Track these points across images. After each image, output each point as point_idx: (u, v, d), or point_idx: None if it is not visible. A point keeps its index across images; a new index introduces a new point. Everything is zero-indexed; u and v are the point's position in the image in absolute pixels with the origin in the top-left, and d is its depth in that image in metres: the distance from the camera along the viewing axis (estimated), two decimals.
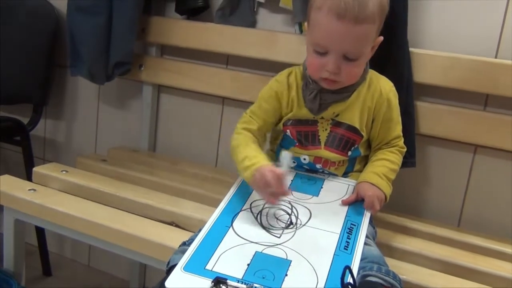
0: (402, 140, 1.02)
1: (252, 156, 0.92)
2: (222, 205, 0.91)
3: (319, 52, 0.91)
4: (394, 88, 1.00)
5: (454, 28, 1.15)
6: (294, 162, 1.03)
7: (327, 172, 1.02)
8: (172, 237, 0.97)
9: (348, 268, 0.71)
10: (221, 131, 1.44)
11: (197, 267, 0.74)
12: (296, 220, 0.88)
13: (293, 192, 0.96)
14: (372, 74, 1.00)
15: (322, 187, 0.99)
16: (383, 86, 0.99)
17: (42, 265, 1.62)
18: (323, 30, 0.89)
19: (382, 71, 1.05)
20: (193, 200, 1.14)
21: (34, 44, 1.55)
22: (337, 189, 0.98)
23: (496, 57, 1.12)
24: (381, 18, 0.91)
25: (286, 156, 0.88)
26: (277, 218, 0.88)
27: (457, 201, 1.21)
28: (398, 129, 1.01)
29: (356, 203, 0.94)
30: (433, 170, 1.22)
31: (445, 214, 1.21)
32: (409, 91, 1.12)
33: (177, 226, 1.06)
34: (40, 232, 1.57)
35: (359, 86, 0.98)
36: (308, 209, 0.91)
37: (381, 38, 0.94)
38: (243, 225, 0.86)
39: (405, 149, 1.03)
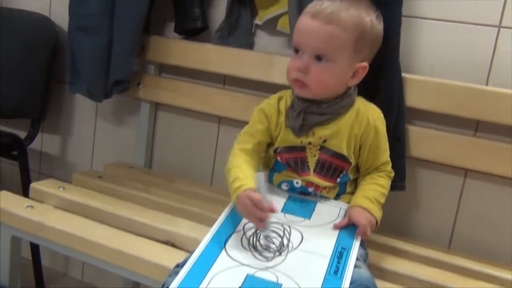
0: (390, 165, 1.05)
1: (241, 178, 0.94)
2: (215, 226, 0.93)
3: (296, 52, 0.97)
4: (381, 115, 1.03)
5: (446, 54, 1.17)
6: (287, 185, 1.05)
7: (319, 195, 1.04)
8: (167, 257, 0.98)
9: None
10: (217, 150, 1.46)
11: None
12: (288, 243, 0.89)
13: (285, 214, 0.98)
14: (360, 102, 1.03)
15: (314, 210, 1.00)
16: (371, 114, 1.01)
17: (36, 279, 1.62)
18: (299, 28, 0.97)
19: (373, 95, 1.07)
20: (188, 218, 1.16)
21: (33, 59, 1.57)
22: (329, 212, 1.00)
23: (486, 84, 1.15)
24: (356, 33, 0.94)
25: (259, 177, 0.90)
26: (269, 241, 0.89)
27: (448, 223, 1.22)
28: (386, 156, 1.04)
29: (347, 227, 0.95)
30: (424, 192, 1.23)
31: (436, 236, 1.23)
32: (400, 116, 1.14)
33: (172, 245, 1.07)
34: (34, 246, 1.58)
35: (343, 110, 1.00)
36: (300, 232, 0.93)
37: (365, 65, 0.97)
38: (236, 248, 0.87)
39: (393, 174, 1.05)
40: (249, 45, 1.35)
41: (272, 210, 0.89)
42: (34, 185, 1.24)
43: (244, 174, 0.95)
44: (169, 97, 1.44)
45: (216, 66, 1.36)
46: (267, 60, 1.30)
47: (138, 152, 1.53)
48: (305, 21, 0.95)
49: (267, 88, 1.31)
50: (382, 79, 1.12)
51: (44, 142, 1.72)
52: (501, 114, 1.10)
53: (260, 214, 0.87)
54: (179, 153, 1.51)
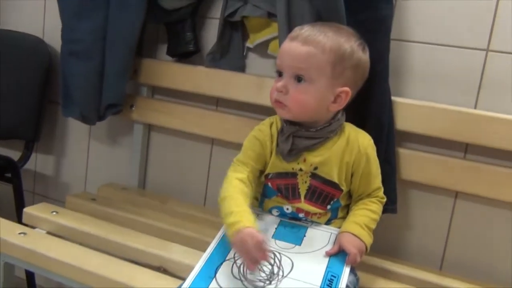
0: (382, 190, 1.05)
1: (236, 212, 0.92)
2: (206, 254, 0.94)
3: (279, 75, 0.99)
4: (372, 142, 1.04)
5: (435, 78, 1.19)
6: (277, 211, 1.05)
7: (310, 221, 1.04)
8: (160, 284, 0.99)
9: None
10: (210, 170, 1.46)
11: None
12: (278, 271, 0.90)
13: (276, 241, 0.99)
14: (350, 128, 1.04)
15: (305, 236, 1.01)
16: (361, 142, 1.02)
17: None
18: (279, 51, 1.01)
19: (363, 120, 1.09)
20: (181, 242, 1.16)
21: (27, 81, 1.58)
22: (319, 237, 1.01)
23: (475, 108, 1.16)
24: (334, 56, 0.96)
25: (271, 221, 0.90)
26: (260, 269, 0.90)
27: (439, 244, 1.23)
28: (377, 181, 1.05)
29: (338, 254, 0.96)
30: (416, 214, 1.24)
31: (428, 258, 1.24)
32: (390, 139, 1.15)
33: (165, 270, 1.08)
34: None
35: (332, 135, 1.01)
36: (291, 259, 0.93)
37: (347, 89, 0.98)
38: (226, 277, 0.88)
39: (385, 199, 1.06)
40: (241, 68, 1.37)
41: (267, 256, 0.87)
42: (27, 210, 1.25)
43: (239, 208, 0.93)
44: (162, 119, 1.45)
45: (208, 89, 1.37)
46: (258, 83, 1.31)
47: (131, 173, 1.54)
48: (285, 44, 0.99)
49: (259, 110, 1.32)
50: (372, 103, 1.13)
51: (38, 163, 1.73)
52: (489, 137, 1.11)
53: (258, 256, 0.86)
54: (173, 174, 1.52)
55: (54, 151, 1.70)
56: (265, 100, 1.29)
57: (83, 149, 1.64)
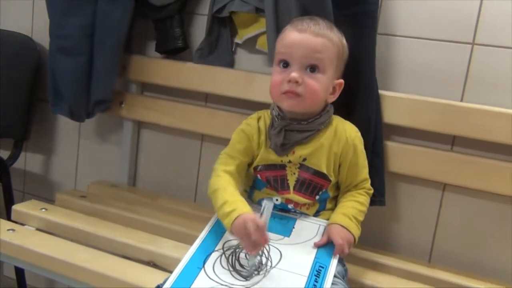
0: (369, 182, 1.07)
1: (231, 202, 0.93)
2: (195, 245, 0.94)
3: (283, 65, 0.98)
4: (359, 134, 1.05)
5: (422, 71, 1.20)
6: (276, 200, 1.05)
7: (299, 212, 1.05)
8: (150, 278, 0.98)
9: None
10: (200, 166, 1.47)
11: None
12: (267, 262, 0.90)
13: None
14: (338, 120, 1.05)
15: (293, 227, 1.02)
16: (349, 133, 1.03)
17: None
18: (286, 41, 0.99)
19: (350, 112, 1.10)
20: (172, 237, 1.16)
21: (16, 79, 1.57)
22: (308, 229, 1.01)
23: (461, 100, 1.17)
24: (338, 50, 0.99)
25: (268, 205, 0.90)
26: (248, 260, 0.90)
27: (428, 236, 1.24)
28: (365, 173, 1.06)
29: (326, 245, 0.97)
30: (404, 206, 1.25)
31: (416, 250, 1.25)
32: (377, 132, 1.16)
33: (155, 265, 1.08)
34: (18, 267, 1.57)
35: (324, 127, 1.02)
36: (279, 251, 0.94)
37: (342, 81, 1.01)
38: (215, 267, 0.88)
39: (372, 191, 1.07)
40: (230, 64, 1.37)
41: (267, 241, 0.89)
42: (16, 207, 1.25)
43: (233, 197, 0.95)
44: (152, 115, 1.45)
45: (198, 85, 1.38)
46: (247, 78, 1.32)
47: (121, 170, 1.54)
48: (293, 35, 0.98)
49: (248, 105, 1.32)
50: (359, 97, 1.14)
51: (28, 162, 1.72)
52: (476, 129, 1.13)
53: (260, 240, 0.86)
54: (163, 170, 1.52)
55: (43, 150, 1.69)
56: (254, 95, 1.30)
57: (73, 147, 1.64)
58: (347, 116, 1.08)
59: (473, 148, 1.17)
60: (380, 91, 1.18)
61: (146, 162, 1.55)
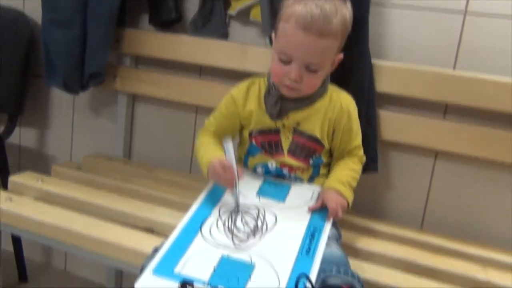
0: (362, 150, 1.08)
1: (209, 152, 1.02)
2: (192, 210, 0.95)
3: (284, 60, 0.97)
4: (353, 102, 1.07)
5: (414, 39, 1.21)
6: (262, 168, 1.08)
7: (293, 176, 1.07)
8: (147, 243, 1.00)
9: (304, 275, 0.75)
10: (194, 138, 1.47)
11: (166, 270, 0.78)
12: (262, 226, 0.92)
13: (260, 198, 1.01)
14: (333, 89, 1.06)
15: (288, 193, 1.03)
16: (344, 100, 1.05)
17: (18, 271, 1.64)
18: (289, 40, 0.95)
19: (344, 81, 1.11)
20: (168, 207, 1.18)
21: (9, 54, 1.56)
22: (302, 194, 1.03)
23: (454, 68, 1.19)
24: (343, 35, 0.98)
25: (227, 145, 0.97)
26: (244, 224, 0.92)
27: (420, 204, 1.27)
28: (358, 140, 1.07)
29: (320, 209, 0.98)
30: (396, 174, 1.27)
31: (409, 217, 1.27)
32: (370, 100, 1.17)
33: (152, 232, 1.09)
34: (15, 238, 1.59)
35: (319, 98, 1.03)
36: (274, 215, 0.96)
37: (341, 55, 1.01)
38: (211, 230, 0.90)
39: (365, 159, 1.09)
40: (224, 36, 1.37)
41: (240, 175, 0.98)
42: (12, 178, 1.25)
43: (211, 151, 1.03)
44: (146, 88, 1.45)
45: (192, 57, 1.38)
46: (241, 50, 1.32)
47: (116, 143, 1.55)
48: (297, 34, 0.93)
49: (242, 77, 1.30)
50: (353, 66, 1.14)
51: (22, 136, 1.72)
52: (468, 97, 1.14)
53: (229, 177, 0.95)
54: (158, 143, 1.53)
55: (38, 125, 1.69)
56: (248, 66, 1.30)
57: (67, 122, 1.64)
58: (340, 84, 1.09)
59: (465, 116, 1.19)
60: (373, 60, 1.19)
61: (141, 136, 1.55)
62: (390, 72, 1.19)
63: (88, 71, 1.39)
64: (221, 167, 0.96)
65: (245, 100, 1.06)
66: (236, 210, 0.95)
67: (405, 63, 1.19)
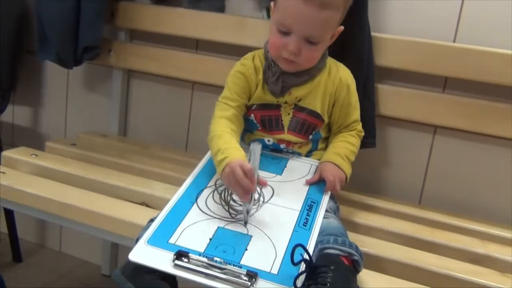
0: (360, 124, 1.07)
1: (224, 149, 0.91)
2: (188, 182, 0.94)
3: (283, 32, 0.94)
4: (352, 75, 1.05)
5: (414, 12, 1.18)
6: (258, 143, 1.03)
7: (291, 151, 1.05)
8: (143, 216, 0.98)
9: (300, 245, 0.74)
10: (191, 115, 1.46)
11: (160, 240, 0.77)
12: (259, 198, 0.91)
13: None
14: (332, 62, 1.04)
15: (285, 167, 1.02)
16: (342, 73, 1.03)
17: (13, 252, 1.63)
18: (288, 11, 0.92)
19: (343, 54, 1.08)
20: (163, 181, 1.16)
21: (1, 29, 1.53)
22: (300, 168, 1.02)
23: (454, 41, 1.17)
24: (345, 6, 0.96)
25: (256, 149, 0.86)
26: (242, 206, 0.90)
27: (418, 179, 1.25)
28: (356, 114, 1.06)
29: (318, 182, 0.97)
30: (395, 150, 1.26)
31: (407, 192, 1.26)
32: (369, 74, 1.16)
33: (147, 206, 1.08)
34: (9, 218, 1.57)
35: (319, 72, 1.01)
36: (271, 187, 0.94)
37: (342, 28, 0.98)
38: (207, 202, 0.88)
39: (363, 133, 1.07)
40: (220, 8, 1.35)
41: (264, 184, 0.89)
42: (5, 153, 1.23)
43: (226, 144, 0.92)
44: (141, 63, 1.42)
45: (188, 31, 1.35)
46: (239, 23, 1.29)
47: (111, 120, 1.52)
48: (297, 5, 0.90)
49: (240, 51, 1.28)
50: (353, 37, 1.12)
51: (16, 114, 1.70)
52: (468, 70, 1.12)
53: (248, 185, 0.82)
54: (153, 120, 1.51)
55: (31, 102, 1.67)
56: (246, 40, 1.28)
57: (61, 98, 1.62)
58: (339, 56, 1.07)
59: (465, 90, 1.17)
60: (372, 33, 1.16)
61: (136, 112, 1.53)
62: (388, 45, 1.17)
63: (82, 45, 1.36)
64: (242, 173, 0.83)
65: (256, 74, 1.02)
66: (244, 221, 0.85)
67: (404, 36, 1.17)
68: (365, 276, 0.84)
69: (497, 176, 1.19)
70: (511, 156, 1.17)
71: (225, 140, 0.94)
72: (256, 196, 0.91)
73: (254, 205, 0.89)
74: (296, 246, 0.73)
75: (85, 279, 1.60)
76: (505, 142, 1.16)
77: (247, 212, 0.84)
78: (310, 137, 1.04)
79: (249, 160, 0.86)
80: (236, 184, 0.84)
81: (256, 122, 1.04)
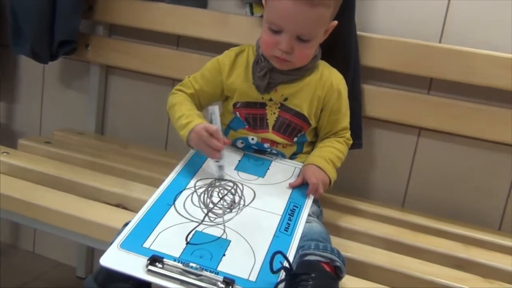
0: (349, 132, 1.04)
1: (188, 115, 0.94)
2: (166, 183, 0.90)
3: (274, 31, 0.92)
4: (344, 81, 1.02)
5: (400, 12, 1.17)
6: (242, 142, 1.03)
7: (275, 151, 1.02)
8: (118, 218, 0.94)
9: (279, 252, 0.71)
10: None
11: (134, 244, 0.73)
12: (240, 201, 0.88)
13: (239, 172, 0.96)
14: (324, 66, 1.02)
15: (268, 169, 0.99)
16: (334, 78, 1.01)
17: None
18: (279, 10, 0.90)
19: (330, 54, 1.06)
20: (142, 182, 1.12)
21: None
22: (283, 171, 0.99)
23: (440, 42, 1.15)
24: (336, 2, 0.93)
25: (214, 111, 0.91)
26: (220, 198, 0.87)
27: (402, 182, 1.24)
28: (346, 121, 1.03)
29: (301, 186, 0.94)
30: (379, 152, 1.24)
31: (390, 195, 1.24)
32: (356, 74, 1.13)
33: (124, 208, 1.04)
34: None
35: (310, 73, 0.99)
36: (253, 190, 0.91)
37: (336, 22, 0.96)
38: (185, 204, 0.85)
39: (351, 142, 1.05)
40: (202, 4, 1.31)
41: (227, 143, 0.92)
42: None
43: (190, 111, 0.96)
44: (120, 59, 1.38)
45: (169, 27, 1.32)
46: (221, 20, 1.27)
47: (88, 118, 1.48)
48: (286, 4, 0.88)
49: (222, 47, 1.25)
50: (339, 38, 1.10)
51: None
52: (454, 71, 1.11)
53: (216, 144, 0.89)
54: (132, 118, 1.47)
55: (5, 97, 1.61)
56: (227, 37, 1.25)
57: (36, 94, 1.56)
58: (328, 55, 1.04)
59: (450, 92, 1.16)
60: (358, 32, 1.14)
61: (114, 110, 1.49)
62: (374, 45, 1.15)
63: (58, 39, 1.31)
64: (207, 132, 0.89)
65: (232, 70, 1.01)
66: (213, 183, 0.90)
67: (389, 36, 1.15)
68: (348, 282, 0.82)
69: (481, 179, 1.18)
70: (495, 159, 1.16)
71: (188, 107, 0.98)
72: (237, 198, 0.88)
73: (234, 208, 0.86)
74: (275, 253, 0.70)
75: (59, 281, 1.55)
76: (490, 145, 1.15)
77: (220, 168, 0.91)
78: (295, 139, 1.02)
79: (211, 122, 0.91)
80: (204, 145, 0.90)
81: (242, 119, 1.01)
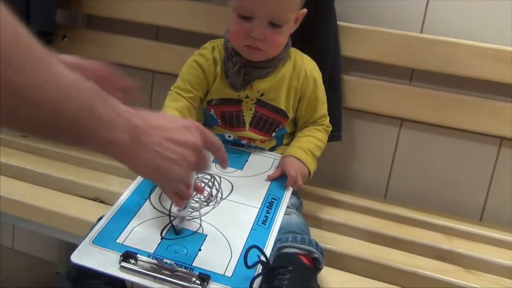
0: (328, 119, 1.03)
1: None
2: (140, 177, 0.88)
3: (244, 17, 0.89)
4: (317, 68, 1.00)
5: (381, 2, 1.15)
6: (219, 138, 0.99)
7: (253, 146, 1.01)
8: (95, 212, 0.91)
9: (255, 247, 0.70)
10: (151, 106, 1.39)
11: (107, 240, 0.71)
12: (217, 194, 0.86)
13: (216, 165, 0.94)
14: (296, 53, 1.00)
15: (247, 161, 0.97)
16: (308, 66, 0.99)
17: None
18: None
19: (308, 43, 1.04)
20: (119, 176, 1.09)
21: None
22: (262, 163, 0.97)
23: (421, 32, 1.14)
24: None
25: None
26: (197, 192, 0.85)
27: (384, 174, 1.23)
28: (324, 108, 1.02)
29: (280, 178, 0.93)
30: (360, 143, 1.23)
31: (372, 187, 1.23)
32: (335, 65, 1.12)
33: (101, 202, 1.02)
34: None
35: (283, 62, 0.97)
36: (231, 183, 0.90)
37: (305, 10, 0.94)
38: (161, 198, 0.83)
39: (331, 128, 1.03)
40: None
41: (200, 191, 0.78)
42: None
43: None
44: (98, 51, 1.35)
45: (148, 17, 1.29)
46: (202, 10, 1.24)
47: None
48: None
49: (204, 40, 1.22)
50: (318, 27, 1.09)
51: None
52: (435, 62, 1.10)
53: (183, 190, 0.70)
54: None
55: None
56: (211, 28, 1.23)
57: None
58: (305, 47, 1.02)
59: (431, 82, 1.15)
60: (338, 22, 1.13)
61: None
62: (355, 35, 1.14)
63: (33, 30, 1.27)
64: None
65: (214, 66, 0.97)
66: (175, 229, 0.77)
67: (371, 26, 1.14)
68: (327, 274, 0.81)
69: (464, 170, 1.17)
70: (478, 150, 1.16)
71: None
72: (214, 191, 0.86)
73: (211, 201, 0.84)
74: (250, 248, 0.69)
75: (39, 277, 1.53)
76: (473, 136, 1.15)
77: (180, 220, 0.76)
78: (273, 134, 1.00)
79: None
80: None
81: (216, 117, 0.99)
